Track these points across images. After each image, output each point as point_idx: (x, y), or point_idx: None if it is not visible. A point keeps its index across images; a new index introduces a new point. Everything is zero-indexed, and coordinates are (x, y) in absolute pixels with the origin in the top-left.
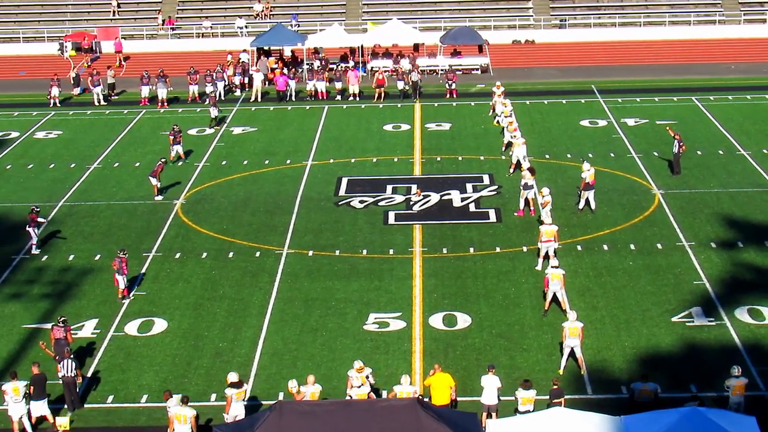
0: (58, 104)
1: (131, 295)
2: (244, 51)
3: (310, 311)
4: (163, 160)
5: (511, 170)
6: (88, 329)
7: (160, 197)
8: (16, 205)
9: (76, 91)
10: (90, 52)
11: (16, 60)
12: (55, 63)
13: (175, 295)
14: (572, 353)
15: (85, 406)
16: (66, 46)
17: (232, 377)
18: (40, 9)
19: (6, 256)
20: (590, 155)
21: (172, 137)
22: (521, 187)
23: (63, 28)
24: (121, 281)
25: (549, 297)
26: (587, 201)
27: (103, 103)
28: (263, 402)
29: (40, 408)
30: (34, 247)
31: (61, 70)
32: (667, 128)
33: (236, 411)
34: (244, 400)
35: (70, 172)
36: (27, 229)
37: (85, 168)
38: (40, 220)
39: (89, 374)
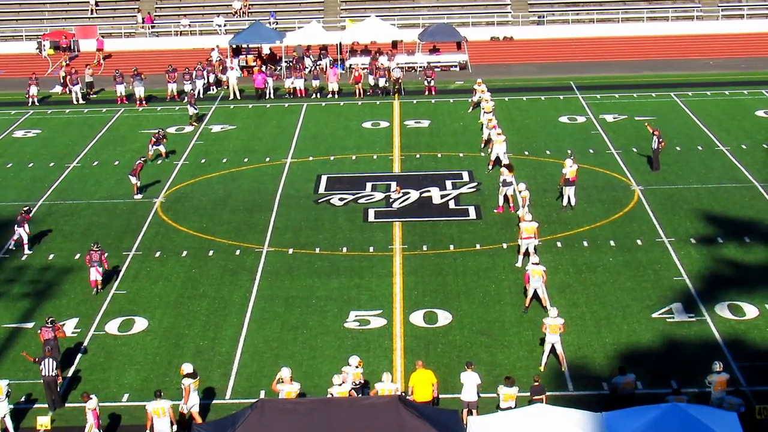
0: (37, 103)
1: (103, 290)
2: (214, 49)
3: (291, 309)
4: (142, 158)
5: (490, 167)
6: (68, 328)
7: (139, 196)
8: None
9: (58, 89)
10: (68, 51)
11: None
12: (33, 62)
13: (156, 293)
14: (553, 349)
15: (66, 405)
16: (44, 45)
17: (187, 368)
18: (18, 8)
19: None
20: (569, 151)
21: (154, 140)
22: (500, 184)
23: (41, 27)
24: (93, 273)
25: (530, 294)
26: (568, 198)
27: (81, 101)
28: (244, 400)
29: None
30: (26, 247)
31: (39, 69)
32: (646, 124)
33: (194, 400)
34: (197, 389)
35: (50, 171)
36: (16, 228)
37: (65, 167)
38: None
39: (70, 373)
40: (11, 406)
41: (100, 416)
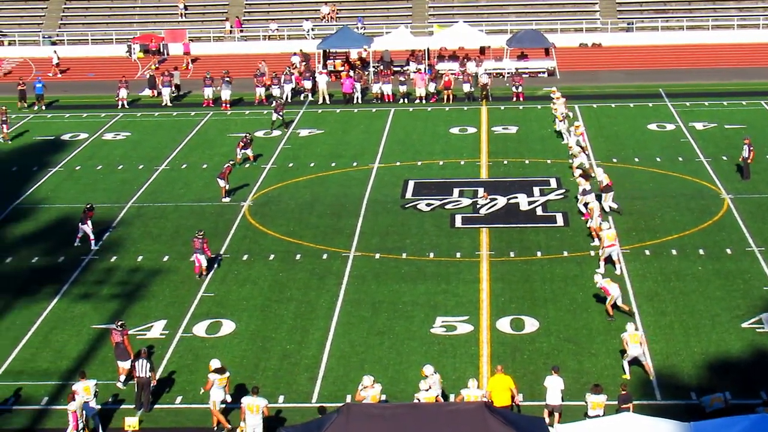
0: (126, 105)
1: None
2: (295, 54)
3: (377, 314)
4: (231, 162)
5: (577, 174)
6: (156, 330)
7: (227, 199)
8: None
9: (147, 92)
10: (157, 54)
11: (85, 62)
12: (123, 65)
13: (243, 296)
14: (635, 360)
15: (155, 406)
16: (134, 48)
17: (215, 364)
18: (109, 11)
19: (75, 257)
20: (658, 159)
21: (242, 143)
22: (579, 194)
23: (131, 30)
24: (202, 260)
25: (614, 302)
26: (609, 206)
27: (170, 104)
28: (330, 404)
29: None
30: (92, 243)
31: (129, 72)
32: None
33: (217, 396)
34: (225, 386)
35: (139, 173)
36: (80, 226)
37: (153, 169)
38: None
39: (158, 375)
40: (98, 406)
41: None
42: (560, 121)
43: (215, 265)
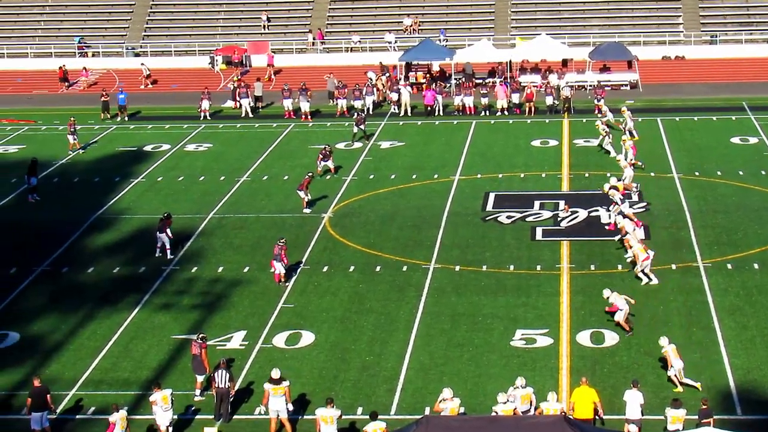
0: (209, 117)
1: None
2: (371, 70)
3: (457, 326)
4: (310, 174)
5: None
6: (236, 341)
7: (308, 210)
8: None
9: (230, 103)
10: (240, 66)
11: (168, 73)
12: (205, 76)
13: (323, 308)
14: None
15: (234, 417)
16: (217, 60)
17: (274, 374)
18: (192, 23)
19: (156, 267)
20: (740, 173)
21: (322, 155)
22: (612, 207)
23: (214, 42)
24: (279, 267)
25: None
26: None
27: (251, 115)
28: (409, 416)
29: (39, 420)
30: (168, 252)
31: (211, 84)
32: None
33: (276, 405)
34: (284, 395)
35: (220, 184)
36: (158, 235)
37: (235, 180)
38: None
39: (237, 386)
40: (175, 417)
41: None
42: (606, 135)
43: (293, 275)
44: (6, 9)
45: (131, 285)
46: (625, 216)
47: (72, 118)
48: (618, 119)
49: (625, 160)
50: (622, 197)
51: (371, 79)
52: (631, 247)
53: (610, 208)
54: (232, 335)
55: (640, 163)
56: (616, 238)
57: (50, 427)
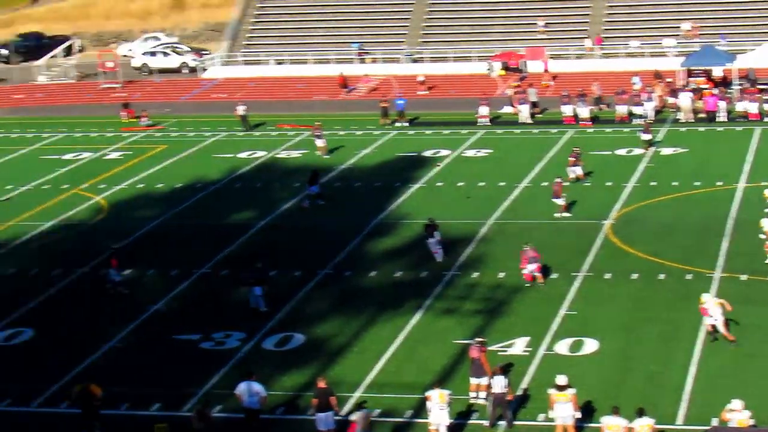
0: (488, 123)
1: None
2: (636, 75)
3: (746, 337)
4: (559, 179)
5: None
6: (519, 347)
7: (567, 214)
8: (450, 222)
9: (508, 109)
10: (517, 72)
11: (446, 79)
12: (483, 82)
13: (605, 315)
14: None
15: (515, 423)
16: (494, 66)
17: (560, 380)
18: (469, 29)
19: (437, 272)
20: None
21: (573, 159)
22: None
23: (491, 48)
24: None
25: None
26: None
27: (529, 121)
28: (696, 427)
29: (325, 421)
30: (437, 255)
31: (489, 90)
32: None
33: (562, 412)
34: (570, 402)
35: (500, 190)
36: (428, 240)
37: (514, 186)
38: None
39: (518, 392)
40: (451, 420)
41: None
42: None
43: (574, 282)
44: (287, 17)
45: (413, 289)
46: None
47: (317, 123)
48: None
49: None
50: None
51: (635, 84)
52: None
53: None
54: (514, 341)
55: None
56: None
57: (336, 429)
